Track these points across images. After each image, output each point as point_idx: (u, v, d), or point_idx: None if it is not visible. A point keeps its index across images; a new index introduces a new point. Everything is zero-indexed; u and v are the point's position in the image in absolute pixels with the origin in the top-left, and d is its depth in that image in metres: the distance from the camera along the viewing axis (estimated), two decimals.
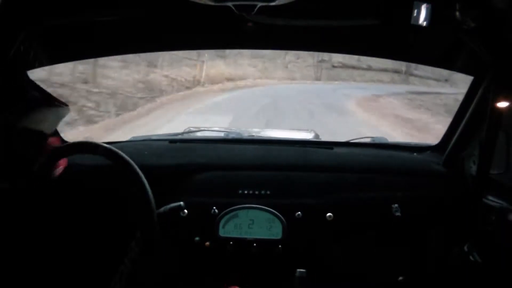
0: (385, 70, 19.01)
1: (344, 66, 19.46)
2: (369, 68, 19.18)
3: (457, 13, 1.08)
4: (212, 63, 14.68)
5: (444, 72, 16.67)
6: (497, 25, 1.10)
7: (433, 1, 1.11)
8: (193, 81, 13.52)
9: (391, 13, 1.19)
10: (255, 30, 1.31)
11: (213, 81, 14.32)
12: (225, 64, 15.79)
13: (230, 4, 1.07)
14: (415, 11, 1.12)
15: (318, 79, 18.71)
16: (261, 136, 2.00)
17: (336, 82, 17.92)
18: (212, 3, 1.06)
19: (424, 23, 1.12)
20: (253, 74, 16.77)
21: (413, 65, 16.15)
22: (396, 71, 19.08)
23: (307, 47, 1.75)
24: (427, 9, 1.11)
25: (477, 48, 1.22)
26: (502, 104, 1.24)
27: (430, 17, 1.11)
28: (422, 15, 1.12)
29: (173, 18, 1.34)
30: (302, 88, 14.83)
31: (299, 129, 2.62)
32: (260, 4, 1.07)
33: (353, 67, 19.44)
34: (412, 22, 1.12)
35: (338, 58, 18.31)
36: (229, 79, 15.40)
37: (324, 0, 1.19)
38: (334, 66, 19.41)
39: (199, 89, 13.23)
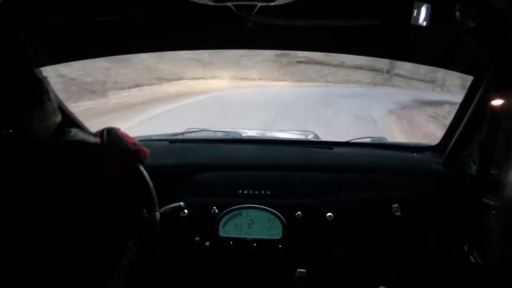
0: (360, 67, 15.57)
1: (311, 61, 15.21)
2: (342, 65, 15.58)
3: (457, 13, 1.08)
4: (143, 56, 9.34)
5: (429, 73, 14.71)
6: (497, 25, 1.10)
7: (433, 1, 1.11)
8: (105, 83, 8.90)
9: (391, 13, 1.19)
10: (255, 30, 1.31)
11: (136, 81, 9.71)
12: (158, 57, 10.73)
13: (230, 4, 1.07)
14: (415, 11, 1.12)
15: (281, 79, 14.09)
16: (261, 136, 2.00)
17: (307, 84, 13.82)
18: (212, 3, 1.06)
19: (424, 23, 1.12)
20: (193, 71, 12.00)
21: (396, 63, 14.44)
22: (376, 70, 15.71)
23: (307, 47, 1.76)
24: (427, 9, 1.12)
25: (477, 48, 1.22)
26: (502, 104, 1.24)
27: (430, 17, 1.11)
28: (422, 15, 1.12)
29: (173, 18, 1.34)
30: (271, 99, 9.80)
31: (299, 130, 2.62)
32: (260, 4, 1.07)
33: (322, 63, 15.34)
34: (412, 22, 1.13)
35: (302, 52, 12.25)
36: (160, 78, 10.79)
37: (324, 0, 1.19)
38: (298, 62, 15.13)
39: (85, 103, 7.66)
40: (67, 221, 1.40)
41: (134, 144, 1.28)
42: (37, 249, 1.31)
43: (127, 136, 1.29)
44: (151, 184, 1.27)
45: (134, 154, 1.27)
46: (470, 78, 1.49)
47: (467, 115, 1.47)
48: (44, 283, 1.32)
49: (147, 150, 1.30)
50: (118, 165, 1.25)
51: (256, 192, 1.47)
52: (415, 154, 1.73)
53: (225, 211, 1.44)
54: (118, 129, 1.28)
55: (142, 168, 1.28)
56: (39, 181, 1.25)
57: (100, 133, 1.24)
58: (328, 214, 1.44)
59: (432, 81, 15.33)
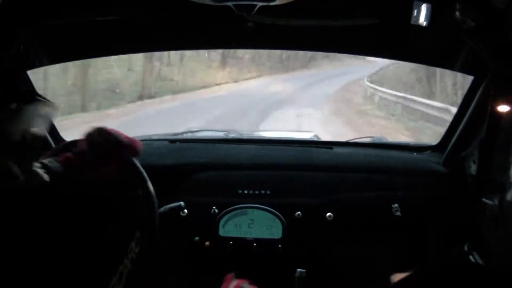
0: None
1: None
2: None
3: (457, 13, 1.08)
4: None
5: None
6: (497, 25, 1.10)
7: (433, 1, 1.11)
8: None
9: (391, 13, 1.19)
10: (255, 30, 1.31)
11: None
12: None
13: (230, 4, 1.07)
14: (415, 11, 1.12)
15: None
16: (261, 136, 2.00)
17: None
18: (212, 3, 1.06)
19: (424, 23, 1.12)
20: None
21: None
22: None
23: (307, 47, 1.76)
24: (427, 9, 1.12)
25: (477, 48, 1.22)
26: (502, 104, 1.24)
27: (430, 17, 1.11)
28: (422, 15, 1.12)
29: (173, 18, 1.34)
30: None
31: (299, 129, 2.62)
32: (260, 4, 1.07)
33: None
34: (412, 22, 1.13)
35: None
36: None
37: (324, 0, 1.19)
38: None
39: None
40: (68, 222, 1.40)
41: (126, 137, 1.26)
42: (37, 250, 1.31)
43: (116, 131, 1.27)
44: (150, 185, 1.27)
45: (128, 147, 1.25)
46: None
47: (467, 115, 1.47)
48: (45, 283, 1.32)
49: (139, 141, 1.28)
50: (115, 162, 1.24)
51: (256, 192, 1.47)
52: (415, 154, 1.73)
53: (225, 210, 1.44)
54: (106, 127, 1.26)
55: (142, 169, 1.27)
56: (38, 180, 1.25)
57: (89, 134, 1.22)
58: (328, 214, 1.44)
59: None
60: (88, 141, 1.21)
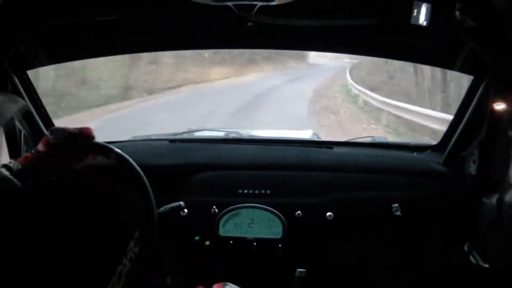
0: None
1: None
2: None
3: (457, 13, 1.09)
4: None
5: None
6: (497, 25, 1.10)
7: (433, 1, 1.11)
8: None
9: (391, 13, 1.19)
10: (255, 30, 1.31)
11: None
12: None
13: (230, 4, 1.07)
14: (415, 11, 1.12)
15: None
16: (261, 136, 2.00)
17: None
18: (212, 3, 1.07)
19: (424, 23, 1.12)
20: None
21: None
22: None
23: (307, 47, 1.76)
24: (427, 9, 1.12)
25: (477, 48, 1.22)
26: (502, 104, 1.24)
27: (430, 17, 1.12)
28: (422, 15, 1.12)
29: (173, 18, 1.34)
30: None
31: (299, 129, 2.61)
32: (260, 4, 1.07)
33: None
34: (412, 22, 1.13)
35: None
36: None
37: (324, 0, 1.19)
38: None
39: None
40: (67, 222, 1.40)
41: (74, 128, 1.28)
42: (36, 250, 1.31)
43: (66, 127, 1.29)
44: (147, 184, 1.27)
45: (79, 135, 1.27)
46: None
47: (467, 115, 1.47)
48: (44, 283, 1.32)
49: (89, 128, 1.29)
50: (75, 151, 1.25)
51: (256, 192, 1.47)
52: (415, 153, 1.73)
53: (225, 210, 1.44)
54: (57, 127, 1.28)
55: (138, 168, 1.27)
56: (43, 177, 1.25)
57: (46, 138, 1.25)
58: (328, 213, 1.44)
59: None
60: (44, 141, 1.23)
